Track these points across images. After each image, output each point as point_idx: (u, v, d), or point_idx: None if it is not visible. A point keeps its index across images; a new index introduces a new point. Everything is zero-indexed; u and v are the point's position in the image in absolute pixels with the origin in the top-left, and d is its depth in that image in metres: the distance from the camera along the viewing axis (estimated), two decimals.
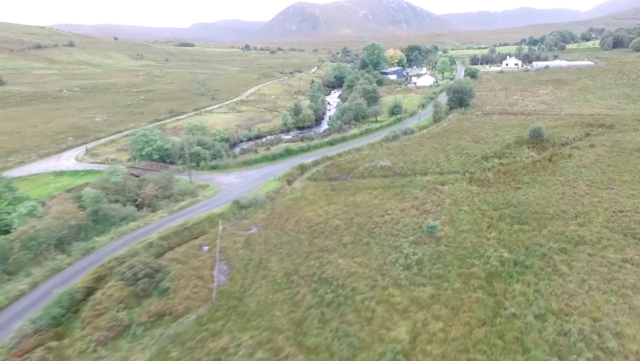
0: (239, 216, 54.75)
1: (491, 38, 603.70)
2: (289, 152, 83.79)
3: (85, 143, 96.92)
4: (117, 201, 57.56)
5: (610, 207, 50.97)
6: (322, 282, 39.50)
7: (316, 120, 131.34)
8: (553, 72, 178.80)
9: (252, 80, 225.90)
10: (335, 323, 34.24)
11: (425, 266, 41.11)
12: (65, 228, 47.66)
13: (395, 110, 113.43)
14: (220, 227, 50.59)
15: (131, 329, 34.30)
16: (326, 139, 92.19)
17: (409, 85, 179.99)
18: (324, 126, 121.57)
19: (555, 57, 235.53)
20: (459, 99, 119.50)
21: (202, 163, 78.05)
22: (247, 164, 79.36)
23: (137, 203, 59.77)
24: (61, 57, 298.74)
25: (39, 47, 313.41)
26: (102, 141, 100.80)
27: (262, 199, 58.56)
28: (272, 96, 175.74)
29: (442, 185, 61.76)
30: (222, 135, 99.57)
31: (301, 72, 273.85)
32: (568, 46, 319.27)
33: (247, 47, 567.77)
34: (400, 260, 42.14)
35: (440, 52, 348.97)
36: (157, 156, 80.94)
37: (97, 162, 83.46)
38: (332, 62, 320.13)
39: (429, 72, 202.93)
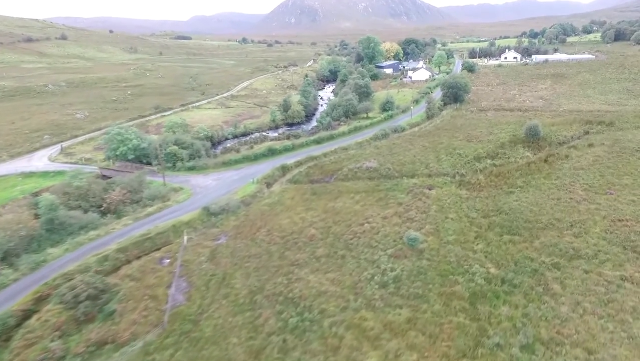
0: (208, 224, 50.70)
1: (492, 31, 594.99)
2: (272, 152, 79.55)
3: (61, 141, 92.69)
4: (79, 207, 53.48)
5: (609, 215, 46.96)
6: (288, 303, 35.65)
7: (307, 116, 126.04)
8: (552, 66, 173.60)
9: (245, 74, 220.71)
10: (297, 352, 30.53)
11: (404, 284, 37.24)
12: (14, 239, 43.65)
13: (386, 106, 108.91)
14: (185, 237, 46.61)
15: None
16: (313, 138, 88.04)
17: (404, 79, 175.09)
18: (315, 122, 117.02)
19: (556, 51, 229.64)
20: (454, 95, 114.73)
21: (179, 164, 73.85)
22: (227, 164, 75.19)
23: (102, 208, 55.65)
24: (52, 51, 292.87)
25: (30, 40, 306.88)
26: (80, 139, 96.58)
27: (235, 204, 54.48)
28: (264, 91, 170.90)
29: (430, 189, 57.74)
30: (205, 133, 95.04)
31: (296, 66, 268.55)
32: (569, 39, 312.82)
33: (244, 40, 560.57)
34: (376, 277, 38.23)
35: (439, 45, 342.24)
36: (133, 156, 76.57)
37: (71, 163, 79.33)
38: (329, 55, 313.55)
39: (425, 66, 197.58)
